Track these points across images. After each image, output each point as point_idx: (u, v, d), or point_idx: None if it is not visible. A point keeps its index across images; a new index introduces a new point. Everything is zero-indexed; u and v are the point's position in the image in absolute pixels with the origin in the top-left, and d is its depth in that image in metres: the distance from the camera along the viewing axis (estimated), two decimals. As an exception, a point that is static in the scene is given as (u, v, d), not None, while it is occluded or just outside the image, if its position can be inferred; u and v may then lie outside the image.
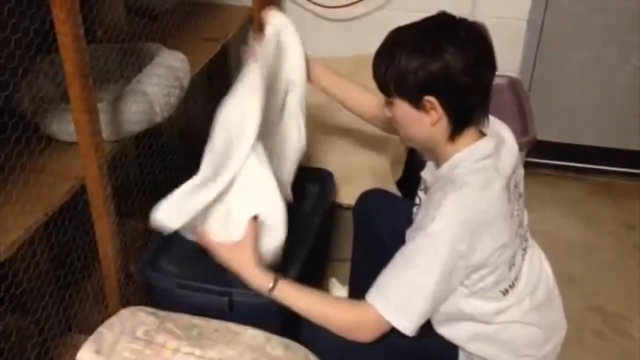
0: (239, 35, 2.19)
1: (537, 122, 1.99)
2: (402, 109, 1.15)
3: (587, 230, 2.25)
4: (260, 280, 1.23)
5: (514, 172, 1.20)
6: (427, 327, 1.26)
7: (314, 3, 2.27)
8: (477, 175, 1.12)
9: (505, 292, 1.20)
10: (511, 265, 1.18)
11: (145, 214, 1.35)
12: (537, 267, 1.29)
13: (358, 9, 2.25)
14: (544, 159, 2.49)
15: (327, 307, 1.20)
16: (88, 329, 1.35)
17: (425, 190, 1.31)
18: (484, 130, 1.20)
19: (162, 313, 1.32)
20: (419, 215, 1.22)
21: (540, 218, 2.18)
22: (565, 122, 2.49)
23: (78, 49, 1.14)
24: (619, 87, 2.40)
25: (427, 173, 1.31)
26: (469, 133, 1.16)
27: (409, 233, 1.19)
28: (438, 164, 1.22)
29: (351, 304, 1.22)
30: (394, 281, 1.14)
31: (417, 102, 1.12)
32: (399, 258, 1.15)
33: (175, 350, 1.21)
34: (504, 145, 1.21)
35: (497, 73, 2.20)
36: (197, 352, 1.21)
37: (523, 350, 1.25)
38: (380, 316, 1.13)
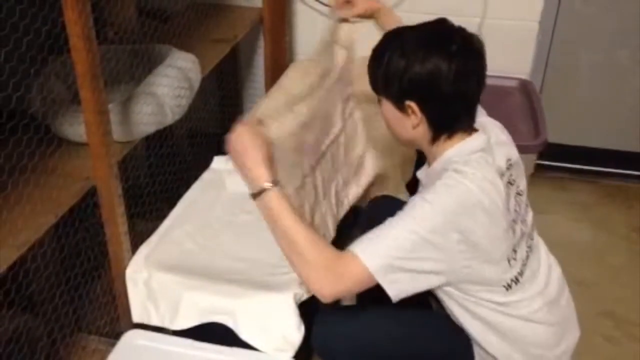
0: (249, 36, 2.19)
1: (548, 125, 1.98)
2: (388, 108, 1.17)
3: (598, 234, 2.23)
4: (258, 174, 1.12)
5: (508, 168, 1.20)
6: (446, 326, 1.26)
7: (324, 4, 2.27)
8: (469, 166, 1.12)
9: (508, 287, 1.18)
10: (511, 258, 1.17)
11: (155, 215, 1.35)
12: (544, 266, 1.28)
13: (368, 11, 2.25)
14: (555, 161, 2.47)
15: (309, 243, 1.11)
16: (97, 330, 1.36)
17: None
18: (476, 126, 1.20)
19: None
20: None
21: (551, 221, 2.17)
22: (576, 125, 2.48)
23: (89, 50, 1.14)
24: (631, 90, 2.38)
25: (421, 173, 1.32)
26: (457, 135, 1.16)
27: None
28: (429, 163, 1.24)
29: (335, 251, 1.14)
30: (375, 234, 1.12)
31: (400, 105, 1.14)
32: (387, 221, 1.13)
33: None
34: (497, 142, 1.21)
35: (508, 75, 2.22)
36: None
37: (534, 350, 1.24)
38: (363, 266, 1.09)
